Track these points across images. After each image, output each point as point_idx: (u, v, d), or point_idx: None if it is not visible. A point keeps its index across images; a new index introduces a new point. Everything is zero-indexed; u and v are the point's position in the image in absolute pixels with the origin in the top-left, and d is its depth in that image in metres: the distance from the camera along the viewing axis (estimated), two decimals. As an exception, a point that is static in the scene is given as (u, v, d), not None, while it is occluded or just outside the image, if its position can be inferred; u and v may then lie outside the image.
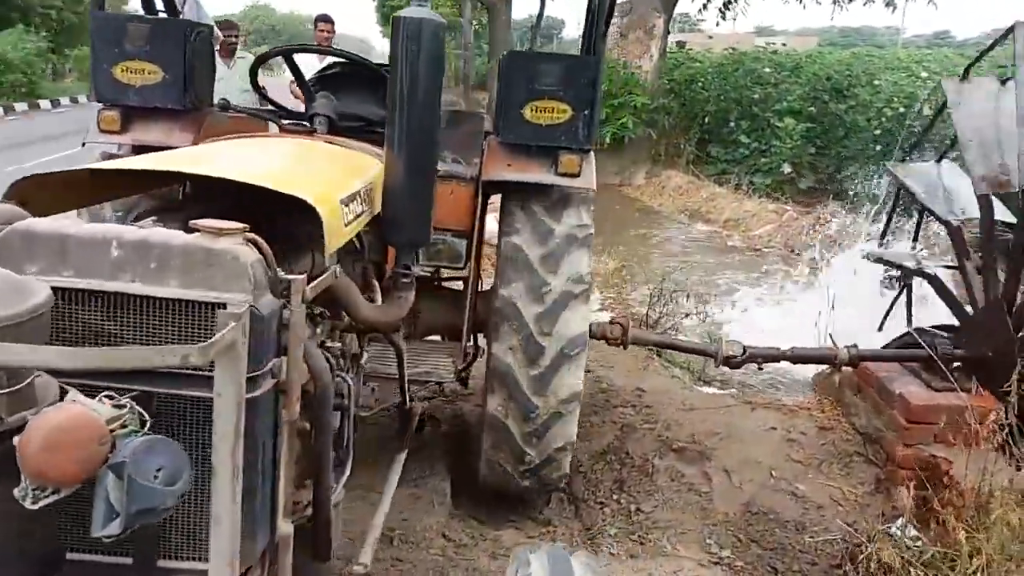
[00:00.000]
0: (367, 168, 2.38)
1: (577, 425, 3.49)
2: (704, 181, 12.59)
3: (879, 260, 5.24)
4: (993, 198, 4.01)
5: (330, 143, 2.68)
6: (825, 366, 4.77)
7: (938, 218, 4.54)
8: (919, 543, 3.41)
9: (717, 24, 15.02)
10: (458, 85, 41.91)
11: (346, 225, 1.93)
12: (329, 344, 2.11)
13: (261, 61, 3.19)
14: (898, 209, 5.53)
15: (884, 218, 5.65)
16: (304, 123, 2.81)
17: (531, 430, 3.33)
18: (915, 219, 5.45)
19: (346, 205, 1.96)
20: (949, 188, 4.74)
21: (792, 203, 10.68)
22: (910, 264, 4.84)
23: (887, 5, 14.14)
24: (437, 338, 3.98)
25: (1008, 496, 3.15)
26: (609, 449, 4.32)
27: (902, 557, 3.22)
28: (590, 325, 4.29)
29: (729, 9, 14.03)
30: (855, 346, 4.20)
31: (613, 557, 3.43)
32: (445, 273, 3.91)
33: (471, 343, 3.75)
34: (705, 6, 13.77)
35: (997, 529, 3.06)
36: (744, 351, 4.17)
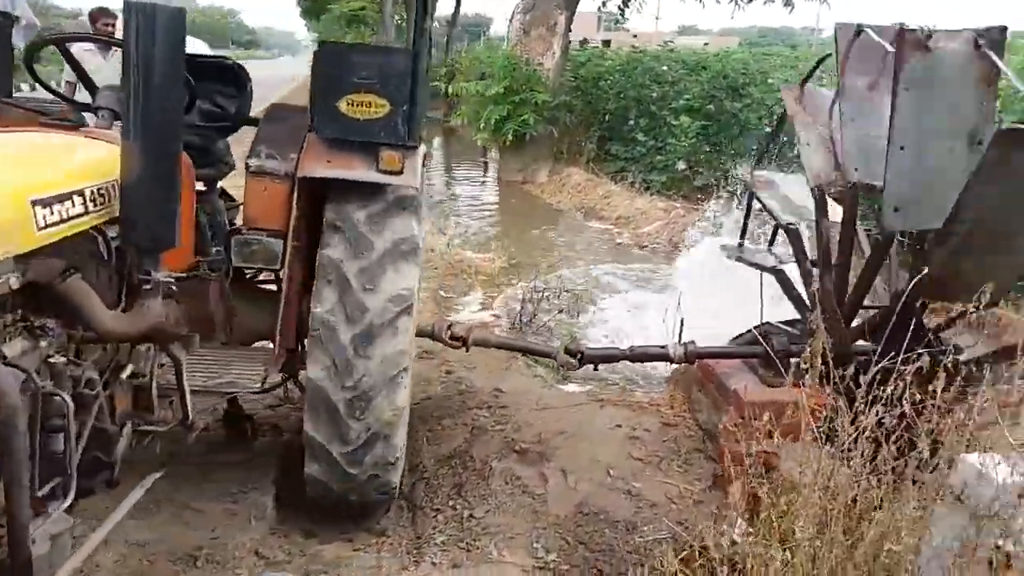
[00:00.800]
0: (111, 165, 2.22)
1: (407, 438, 3.42)
2: (603, 179, 12.68)
3: (739, 259, 5.33)
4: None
5: (94, 138, 2.52)
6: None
7: (777, 221, 4.63)
8: (749, 539, 3.44)
9: (618, 22, 15.12)
10: (377, 81, 41.49)
11: (41, 228, 1.79)
12: (53, 360, 1.96)
13: (34, 50, 3.00)
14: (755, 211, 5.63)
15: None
16: (69, 118, 2.63)
17: (350, 451, 3.22)
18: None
19: (46, 206, 1.81)
20: (794, 194, 4.84)
21: (684, 200, 10.84)
22: (764, 263, 4.93)
23: (785, 5, 14.45)
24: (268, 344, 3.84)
25: (813, 487, 3.18)
26: (455, 453, 4.25)
27: (730, 554, 3.23)
28: (432, 327, 4.24)
29: (627, 7, 14.16)
30: (692, 342, 4.23)
31: (435, 567, 3.35)
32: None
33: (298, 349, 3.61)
34: (604, 3, 13.86)
35: (803, 521, 3.09)
36: (581, 353, 4.15)
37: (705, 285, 6.25)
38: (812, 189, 4.13)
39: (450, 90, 17.39)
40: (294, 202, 3.27)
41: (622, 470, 4.07)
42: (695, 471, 4.11)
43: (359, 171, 3.15)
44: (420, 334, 4.10)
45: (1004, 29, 3.36)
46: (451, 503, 3.84)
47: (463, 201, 13.25)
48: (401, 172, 3.17)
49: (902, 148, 3.23)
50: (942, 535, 2.35)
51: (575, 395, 5.09)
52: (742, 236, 5.60)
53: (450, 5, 26.55)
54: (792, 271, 4.67)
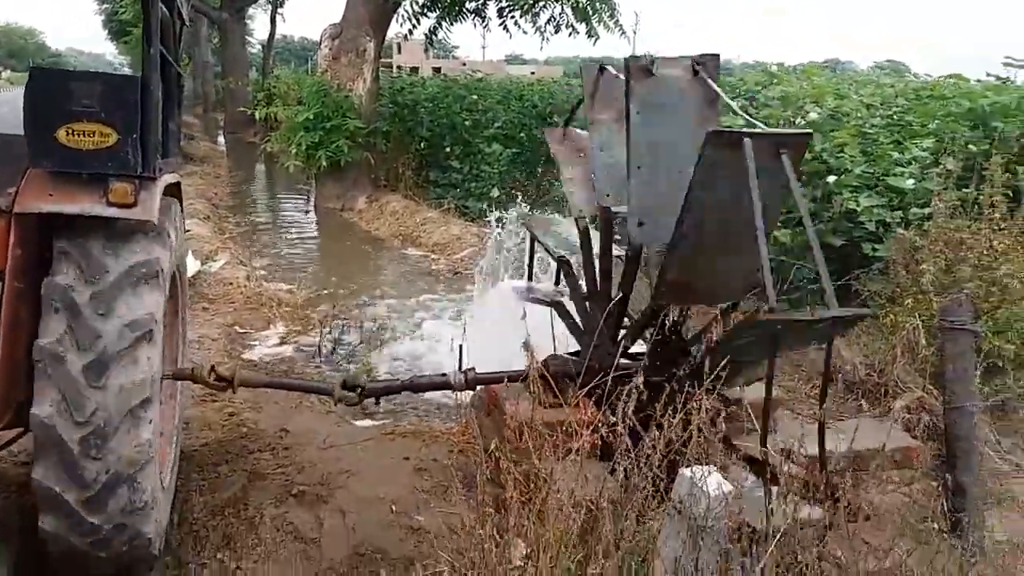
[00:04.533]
0: None
1: (174, 485, 3.16)
2: (421, 205, 12.66)
3: (527, 298, 5.46)
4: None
5: None
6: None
7: (550, 253, 4.78)
8: (528, 560, 3.45)
9: (447, 50, 15.25)
10: (196, 105, 39.76)
11: None
12: None
13: None
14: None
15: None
16: None
17: (88, 498, 2.93)
18: None
19: None
20: (569, 232, 5.01)
21: (498, 226, 10.98)
22: (547, 298, 5.07)
23: (589, 36, 15.08)
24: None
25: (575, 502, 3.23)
26: (230, 501, 4.01)
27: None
28: (192, 370, 3.98)
29: (436, 34, 14.32)
30: (472, 369, 4.23)
31: (192, 627, 3.12)
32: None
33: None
34: (411, 32, 13.94)
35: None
36: (361, 388, 4.04)
37: (508, 313, 6.32)
38: (576, 220, 4.28)
39: (257, 115, 16.83)
40: (11, 240, 2.97)
41: (406, 504, 3.99)
42: (486, 510, 4.10)
43: (84, 204, 2.91)
44: (179, 377, 3.85)
45: (717, 56, 3.62)
46: (219, 556, 3.60)
47: (278, 229, 12.82)
48: (134, 205, 2.95)
49: (639, 168, 3.39)
50: (672, 545, 2.43)
51: (368, 430, 4.97)
52: (528, 276, 5.76)
53: (267, 29, 25.95)
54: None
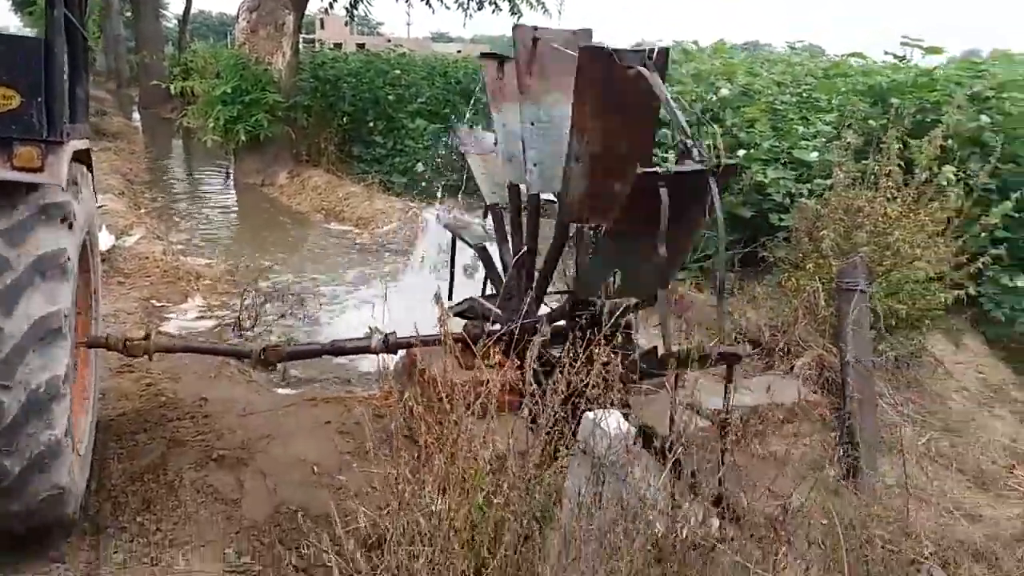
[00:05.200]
0: None
1: (91, 456, 3.12)
2: (344, 180, 12.56)
3: (447, 226, 5.55)
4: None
5: None
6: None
7: (469, 244, 4.91)
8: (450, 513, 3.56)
9: (371, 26, 15.06)
10: (109, 81, 38.10)
11: None
12: None
13: None
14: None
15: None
16: None
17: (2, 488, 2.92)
18: None
19: None
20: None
21: (424, 201, 11.01)
22: (469, 237, 5.17)
23: (512, 14, 15.13)
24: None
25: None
26: (149, 468, 4.00)
27: (428, 530, 3.31)
28: (106, 337, 3.95)
29: (356, 7, 14.13)
30: (393, 333, 4.31)
31: (111, 587, 3.14)
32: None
33: None
34: (331, 5, 13.73)
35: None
36: (280, 351, 4.08)
37: (430, 279, 6.40)
38: (489, 208, 4.44)
39: (173, 89, 16.33)
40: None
41: (328, 466, 4.06)
42: (402, 457, 4.19)
43: None
44: (93, 344, 3.81)
45: (667, 50, 3.76)
46: (138, 519, 3.60)
47: (196, 205, 12.54)
48: (41, 169, 2.92)
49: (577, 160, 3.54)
50: (576, 482, 2.58)
51: (289, 398, 5.00)
52: (451, 274, 5.83)
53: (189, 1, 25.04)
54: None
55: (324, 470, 4.00)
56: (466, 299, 4.85)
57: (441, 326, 3.67)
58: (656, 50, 3.62)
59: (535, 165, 4.15)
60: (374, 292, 7.67)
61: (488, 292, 4.99)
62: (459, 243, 5.33)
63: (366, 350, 4.23)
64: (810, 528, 4.65)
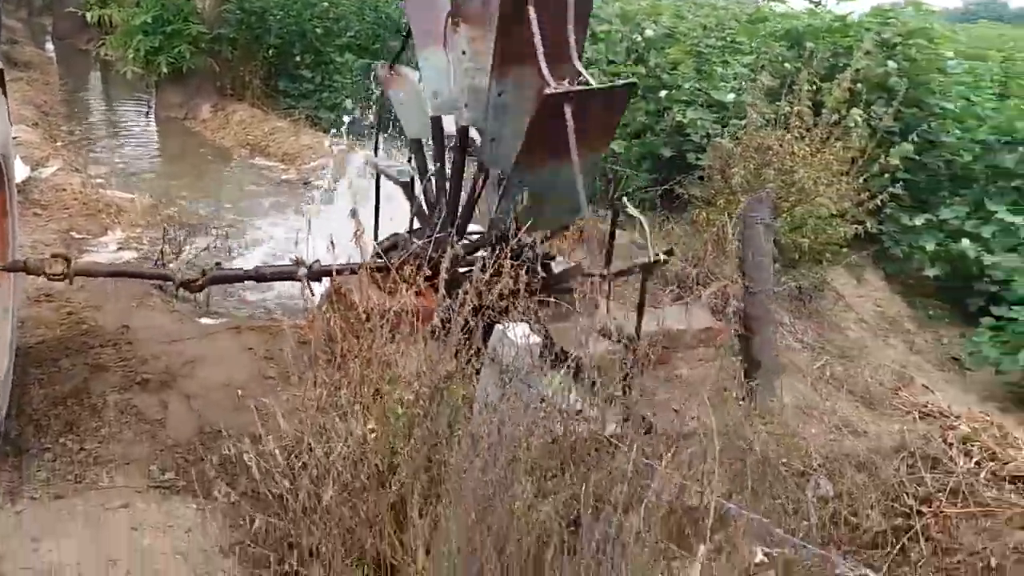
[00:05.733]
0: None
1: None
2: (270, 115, 12.32)
3: (375, 168, 5.62)
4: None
5: None
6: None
7: (393, 180, 5.00)
8: (372, 435, 3.74)
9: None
10: (20, 9, 35.97)
11: None
12: None
13: None
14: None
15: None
16: None
17: None
18: None
19: None
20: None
21: (351, 136, 10.91)
22: (398, 176, 5.25)
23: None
24: None
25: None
26: (72, 392, 4.05)
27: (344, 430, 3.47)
28: (25, 262, 3.95)
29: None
30: (318, 261, 4.40)
31: (35, 502, 3.23)
32: None
33: None
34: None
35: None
36: (204, 273, 4.14)
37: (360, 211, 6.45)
38: (412, 143, 4.52)
39: (90, 18, 15.61)
40: None
41: (252, 390, 4.15)
42: (321, 367, 4.33)
43: None
44: (11, 269, 3.81)
45: None
46: (61, 441, 3.68)
47: (116, 138, 12.17)
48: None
49: (500, 94, 3.64)
50: (487, 390, 2.78)
51: (214, 326, 5.06)
52: (376, 210, 5.90)
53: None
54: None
55: (248, 393, 4.11)
56: (392, 234, 4.95)
57: (358, 242, 3.80)
58: None
59: (464, 103, 4.23)
60: (298, 225, 7.68)
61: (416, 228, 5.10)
62: (385, 181, 5.42)
63: (290, 277, 4.32)
64: (710, 444, 5.02)
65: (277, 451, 2.71)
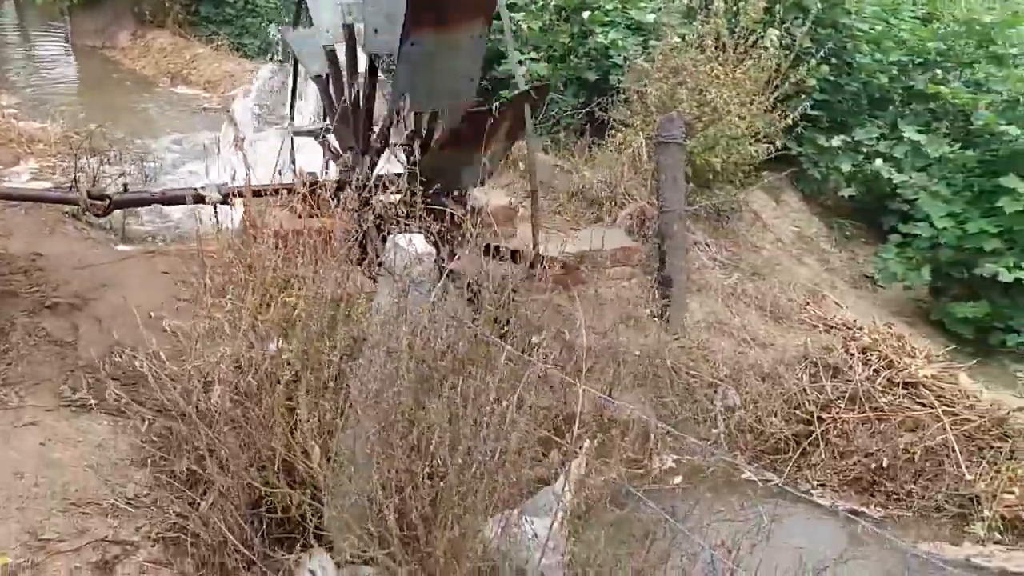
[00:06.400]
0: None
1: None
2: (192, 42, 11.92)
3: (288, 42, 5.58)
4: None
5: None
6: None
7: (307, 71, 4.94)
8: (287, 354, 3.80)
9: None
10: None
11: None
12: None
13: None
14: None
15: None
16: None
17: None
18: None
19: None
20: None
21: (275, 62, 10.65)
22: (310, 65, 5.22)
23: None
24: None
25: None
26: (-22, 319, 4.02)
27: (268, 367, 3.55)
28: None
29: None
30: (226, 183, 4.38)
31: (-63, 424, 3.24)
32: None
33: None
34: None
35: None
36: (108, 198, 4.10)
37: (275, 137, 6.39)
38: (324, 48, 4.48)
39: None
40: None
41: (165, 312, 4.18)
42: (235, 300, 4.36)
43: None
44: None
45: None
46: (-34, 362, 3.67)
47: (29, 67, 11.67)
48: None
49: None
50: (384, 299, 2.87)
51: (128, 252, 5.02)
52: (292, 96, 5.84)
53: None
54: None
55: (160, 315, 4.13)
56: (316, 125, 4.96)
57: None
58: None
59: (375, 30, 4.19)
60: (217, 155, 7.57)
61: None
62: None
63: (200, 200, 4.30)
64: (624, 357, 5.23)
65: (169, 360, 2.76)
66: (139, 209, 5.85)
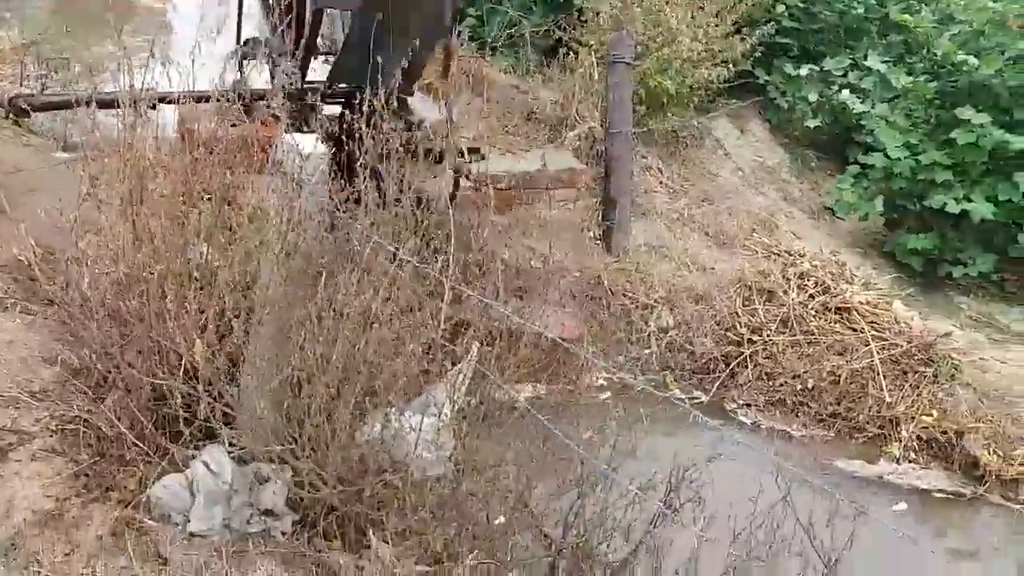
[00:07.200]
0: None
1: None
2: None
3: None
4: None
5: None
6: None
7: None
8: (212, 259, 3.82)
9: None
10: None
11: None
12: None
13: None
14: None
15: None
16: None
17: None
18: None
19: None
20: None
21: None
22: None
23: None
24: None
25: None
26: None
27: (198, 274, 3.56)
28: None
29: None
30: (154, 88, 4.32)
31: None
32: None
33: None
34: None
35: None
36: (28, 101, 4.06)
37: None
38: None
39: None
40: None
41: (92, 217, 4.17)
42: (177, 213, 4.36)
43: None
44: None
45: None
46: None
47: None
48: None
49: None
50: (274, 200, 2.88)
51: (64, 159, 4.98)
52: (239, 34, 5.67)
53: None
54: None
55: (87, 219, 4.13)
56: (249, 39, 4.89)
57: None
58: None
59: None
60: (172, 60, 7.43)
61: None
62: None
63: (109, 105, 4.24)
64: (563, 278, 5.27)
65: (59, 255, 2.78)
66: (88, 118, 5.79)
